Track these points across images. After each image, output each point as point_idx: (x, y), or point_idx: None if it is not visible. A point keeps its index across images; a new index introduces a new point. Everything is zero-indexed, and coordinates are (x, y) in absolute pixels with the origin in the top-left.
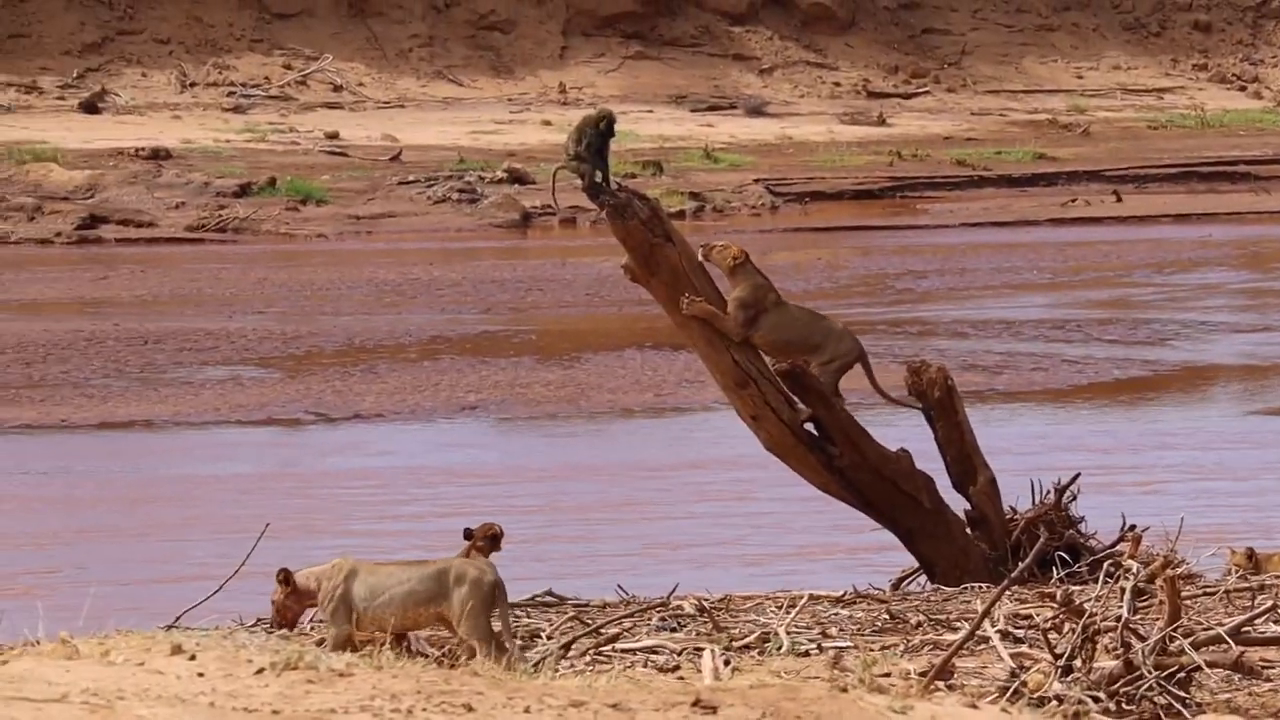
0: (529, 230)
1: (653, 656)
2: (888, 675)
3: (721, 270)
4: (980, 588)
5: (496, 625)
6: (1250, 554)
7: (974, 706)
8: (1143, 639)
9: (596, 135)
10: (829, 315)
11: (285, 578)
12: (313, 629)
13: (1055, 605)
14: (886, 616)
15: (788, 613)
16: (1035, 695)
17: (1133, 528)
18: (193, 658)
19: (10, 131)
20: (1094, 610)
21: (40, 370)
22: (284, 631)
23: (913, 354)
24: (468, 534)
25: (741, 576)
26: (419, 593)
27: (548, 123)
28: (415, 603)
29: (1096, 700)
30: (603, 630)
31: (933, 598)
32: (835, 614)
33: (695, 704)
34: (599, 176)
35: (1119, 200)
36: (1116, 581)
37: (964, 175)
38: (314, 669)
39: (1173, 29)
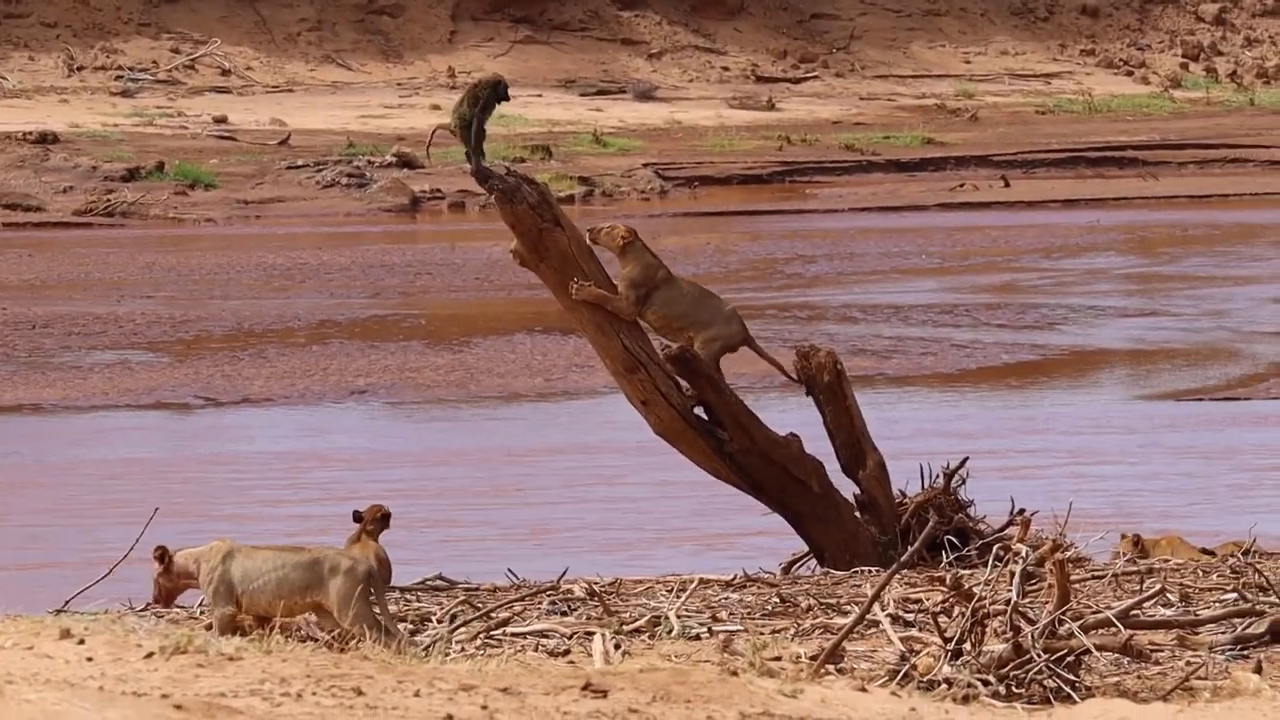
0: (418, 215)
1: (543, 641)
2: (778, 659)
3: (611, 251)
4: (870, 572)
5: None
6: (1137, 540)
7: (864, 690)
8: (1032, 622)
9: (491, 96)
10: (718, 295)
11: (161, 555)
12: (202, 613)
13: (945, 589)
14: (777, 600)
15: (678, 597)
16: (925, 678)
17: (1021, 512)
18: (81, 642)
19: None
20: (983, 594)
21: None
22: (172, 615)
23: (802, 338)
24: (357, 516)
25: (631, 561)
26: (292, 580)
27: (437, 107)
28: (289, 590)
29: (986, 683)
30: (493, 614)
31: (823, 581)
32: (725, 598)
33: (585, 688)
34: (484, 158)
35: (1007, 185)
36: (1006, 565)
37: (852, 160)
38: (203, 653)
39: (1060, 14)
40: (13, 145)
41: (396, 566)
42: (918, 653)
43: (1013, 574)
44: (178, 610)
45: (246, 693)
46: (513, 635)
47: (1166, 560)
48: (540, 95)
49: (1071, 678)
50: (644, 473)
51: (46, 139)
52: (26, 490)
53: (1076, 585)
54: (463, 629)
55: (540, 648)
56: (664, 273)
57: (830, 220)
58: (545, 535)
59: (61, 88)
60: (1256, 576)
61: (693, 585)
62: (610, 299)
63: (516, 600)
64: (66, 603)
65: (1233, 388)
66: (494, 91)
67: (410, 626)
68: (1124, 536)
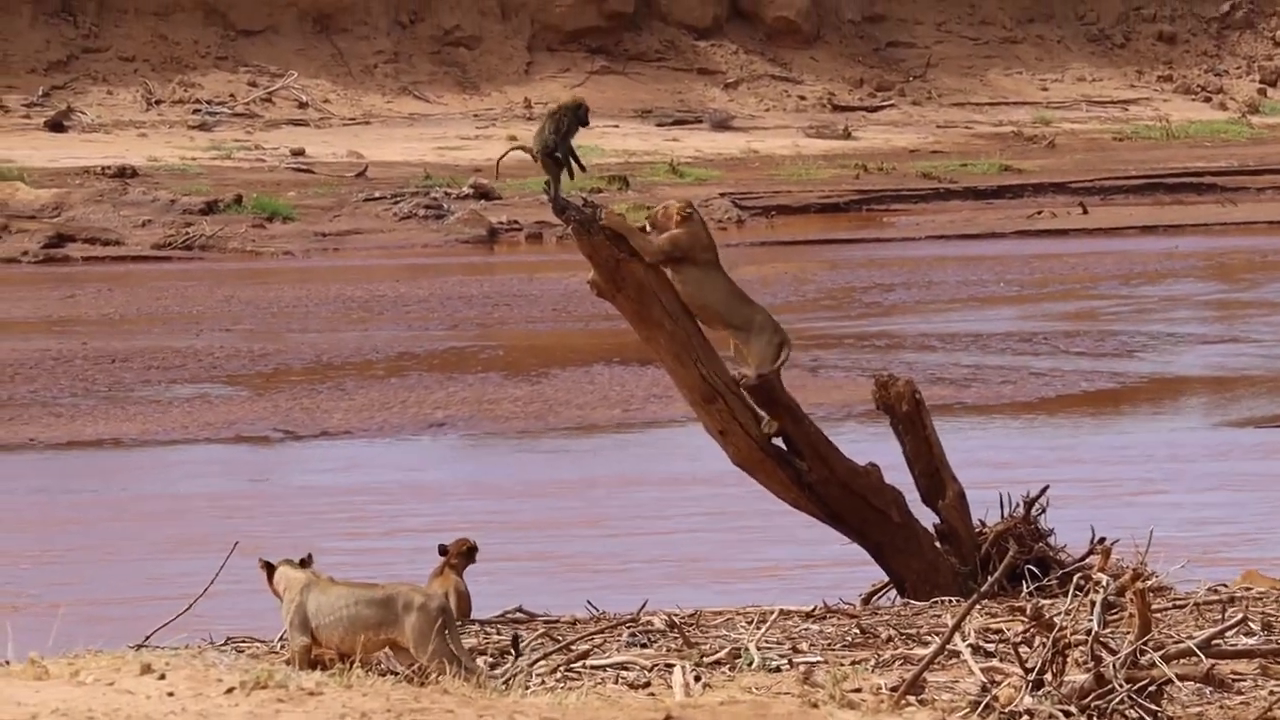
0: (495, 246)
1: (623, 673)
2: (858, 690)
3: (667, 229)
4: (950, 602)
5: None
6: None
7: None
8: (1113, 652)
9: (574, 121)
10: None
11: (266, 566)
12: (283, 648)
13: (1025, 619)
14: (857, 631)
15: (758, 628)
16: (1006, 709)
17: (1102, 540)
18: (162, 677)
19: None
20: (1064, 624)
21: (8, 389)
22: (253, 649)
23: (880, 367)
24: (442, 549)
25: (711, 592)
26: (365, 617)
27: (513, 138)
28: (362, 626)
29: (1068, 714)
30: (573, 647)
31: (903, 612)
32: (805, 629)
33: None
34: (560, 190)
35: (1085, 212)
36: (1086, 595)
37: (930, 188)
38: (284, 688)
39: (1137, 40)
40: (92, 179)
41: (476, 599)
42: (999, 683)
43: (1093, 603)
44: (258, 645)
45: None
46: (593, 668)
47: (1248, 589)
48: (617, 126)
49: (1154, 708)
50: (723, 503)
51: (125, 173)
52: (107, 524)
53: (1158, 615)
54: (543, 661)
55: (620, 680)
56: (709, 256)
57: (908, 248)
58: (625, 567)
59: (140, 121)
60: None
61: (773, 616)
62: (636, 234)
63: (596, 632)
64: (147, 637)
65: None
66: (575, 115)
67: (490, 659)
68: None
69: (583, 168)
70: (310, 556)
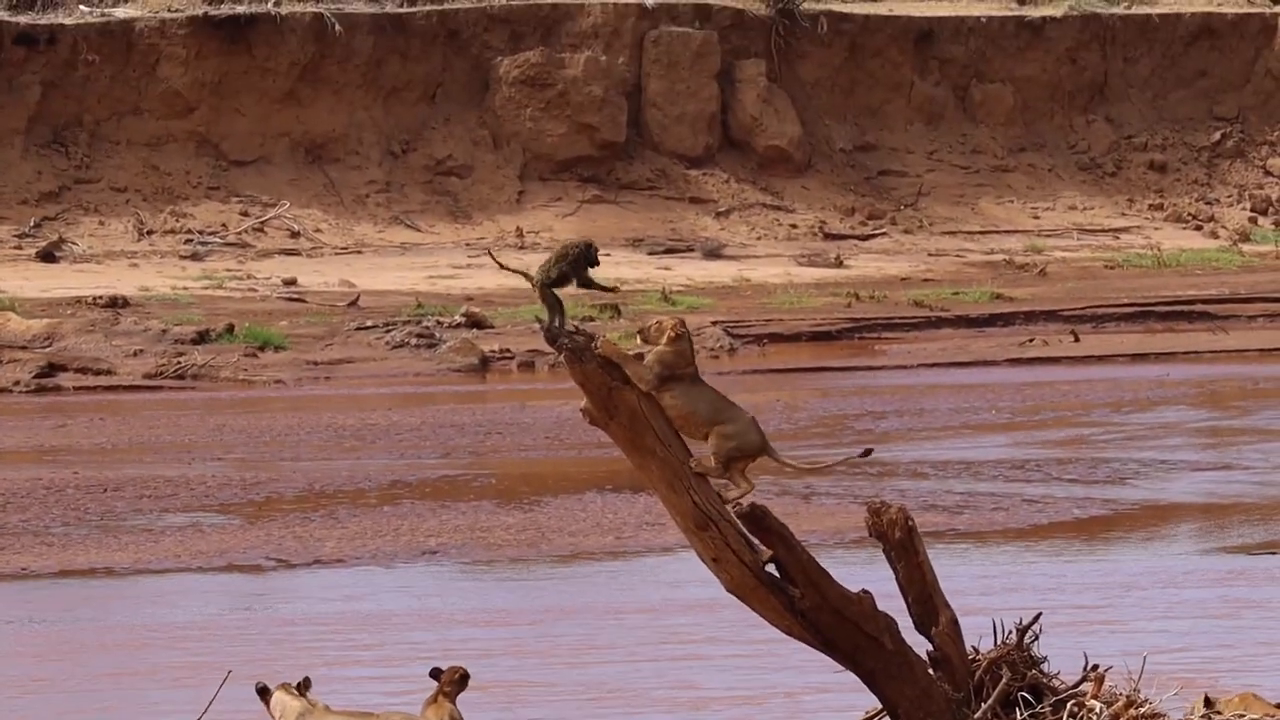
0: (488, 374)
1: None
2: None
3: (658, 344)
4: None
5: None
6: (1208, 700)
7: None
8: None
9: (573, 264)
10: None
11: (261, 690)
12: None
13: None
14: None
15: None
16: None
17: (1095, 667)
18: None
19: None
20: None
21: (0, 519)
22: None
23: (873, 494)
24: (435, 674)
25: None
26: None
27: (503, 266)
28: None
29: None
30: None
31: None
32: None
33: None
34: (557, 323)
35: (1076, 340)
36: None
37: (921, 316)
38: None
39: (1128, 169)
40: (83, 309)
41: None
42: None
43: None
44: None
45: None
46: None
47: (1241, 716)
48: (609, 254)
49: None
50: (717, 630)
51: (117, 303)
52: (99, 654)
53: None
54: None
55: None
56: (694, 371)
57: (899, 376)
58: (619, 695)
59: (131, 251)
60: None
61: None
62: (631, 361)
63: None
64: None
65: None
66: (586, 256)
67: None
68: (1206, 698)
69: (610, 288)
70: (307, 680)
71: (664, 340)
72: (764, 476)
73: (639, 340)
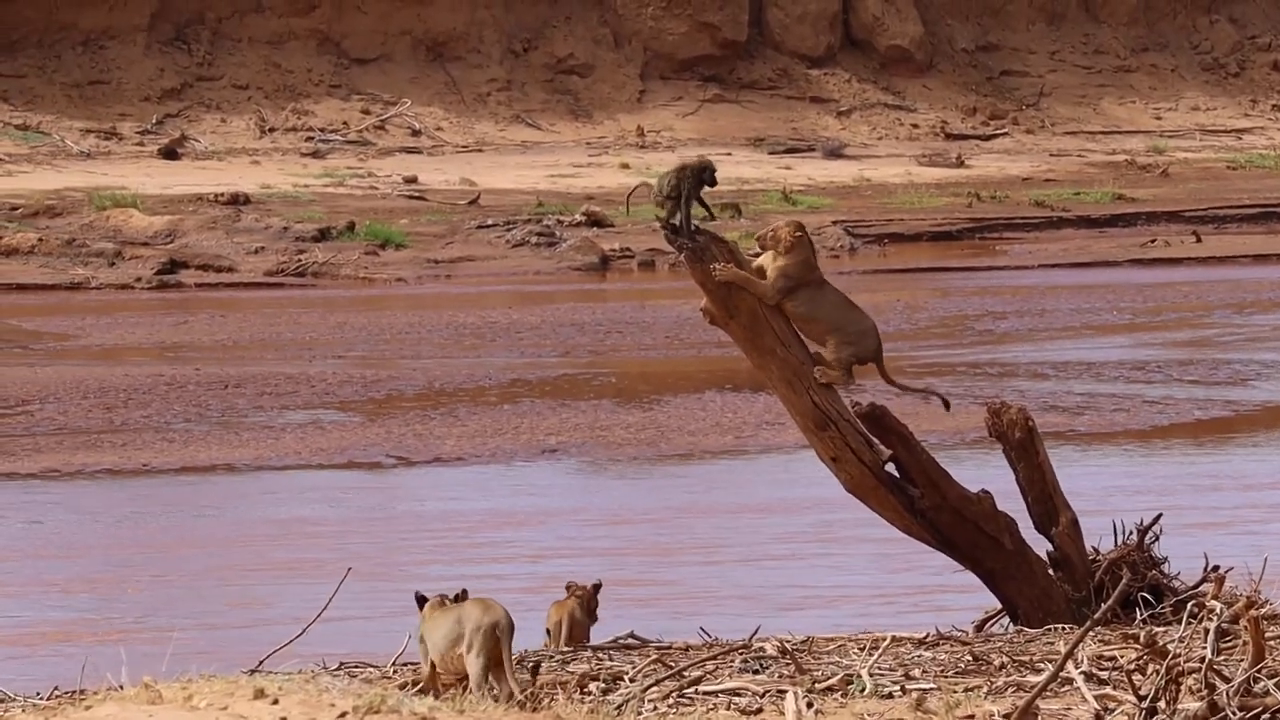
0: (608, 273)
1: (735, 699)
2: (971, 717)
3: (779, 249)
4: (1063, 629)
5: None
6: None
7: None
8: (1227, 680)
9: (695, 184)
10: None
11: (418, 599)
12: (395, 673)
13: (1139, 646)
14: (969, 658)
15: (870, 654)
16: None
17: (1216, 568)
18: (275, 702)
19: (90, 177)
20: (1178, 651)
21: (121, 415)
22: (366, 674)
23: (993, 395)
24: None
25: (823, 618)
26: (451, 636)
27: (626, 166)
28: (449, 645)
29: None
30: (685, 673)
31: (1016, 639)
32: (918, 656)
33: None
34: (678, 218)
35: (1198, 241)
36: (1200, 622)
37: (1043, 216)
38: (396, 712)
39: (1251, 69)
40: (205, 206)
41: (593, 625)
42: (1112, 710)
43: (1207, 631)
44: (371, 670)
45: None
46: (705, 694)
47: None
48: (730, 154)
49: None
50: (835, 529)
51: (238, 200)
52: (220, 550)
53: (1272, 642)
54: (655, 687)
55: (733, 706)
56: (818, 275)
57: (1021, 277)
58: (738, 593)
59: (253, 149)
60: None
61: (885, 643)
62: (754, 282)
63: (709, 658)
64: (261, 662)
65: None
66: (700, 177)
67: (602, 685)
68: None
69: (711, 214)
70: (464, 592)
71: (781, 249)
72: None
73: (757, 247)
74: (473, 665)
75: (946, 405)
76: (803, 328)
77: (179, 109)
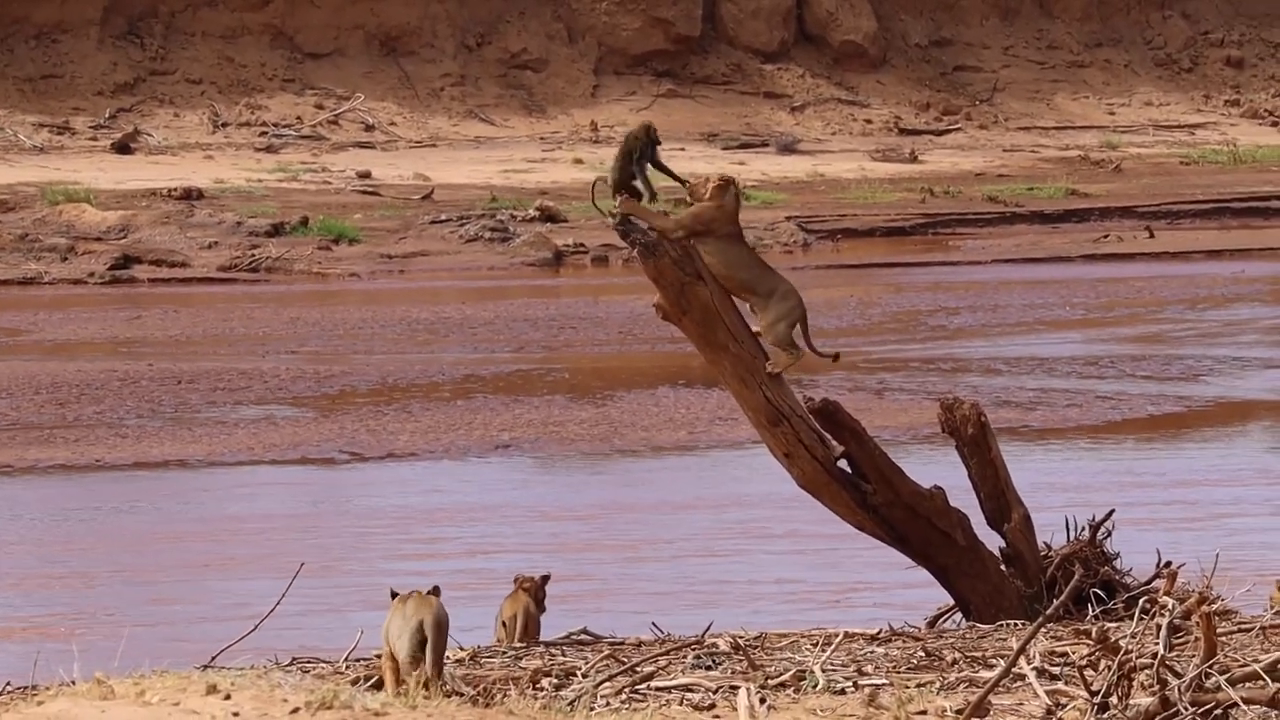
0: (561, 269)
1: (688, 694)
2: (924, 713)
3: (701, 199)
4: (1016, 625)
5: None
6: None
7: None
8: (1179, 676)
9: (646, 144)
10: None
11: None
12: (348, 668)
13: (1091, 642)
14: (922, 654)
15: (823, 650)
16: None
17: (1168, 564)
18: (228, 697)
19: (43, 172)
20: (1130, 647)
21: (74, 410)
22: (318, 670)
23: (945, 390)
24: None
25: (776, 614)
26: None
27: (579, 161)
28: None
29: None
30: (638, 669)
31: (968, 635)
32: (871, 652)
33: None
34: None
35: (1151, 236)
36: (1152, 618)
37: (996, 212)
38: (349, 708)
39: (1205, 65)
40: (158, 201)
41: (545, 621)
42: (1064, 706)
43: (1159, 627)
44: (323, 665)
45: None
46: (658, 689)
47: None
48: (683, 149)
49: None
50: (787, 526)
51: (191, 195)
52: (173, 546)
53: (1223, 638)
54: (608, 683)
55: (685, 702)
56: (736, 230)
57: (974, 272)
58: (690, 589)
59: (206, 144)
60: None
61: (838, 639)
62: (652, 215)
63: (661, 654)
64: (213, 658)
65: None
66: (647, 138)
67: (554, 681)
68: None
69: (652, 194)
70: (436, 589)
71: (706, 195)
72: (837, 373)
73: (688, 198)
74: (400, 655)
75: (835, 358)
76: (728, 285)
77: (132, 103)
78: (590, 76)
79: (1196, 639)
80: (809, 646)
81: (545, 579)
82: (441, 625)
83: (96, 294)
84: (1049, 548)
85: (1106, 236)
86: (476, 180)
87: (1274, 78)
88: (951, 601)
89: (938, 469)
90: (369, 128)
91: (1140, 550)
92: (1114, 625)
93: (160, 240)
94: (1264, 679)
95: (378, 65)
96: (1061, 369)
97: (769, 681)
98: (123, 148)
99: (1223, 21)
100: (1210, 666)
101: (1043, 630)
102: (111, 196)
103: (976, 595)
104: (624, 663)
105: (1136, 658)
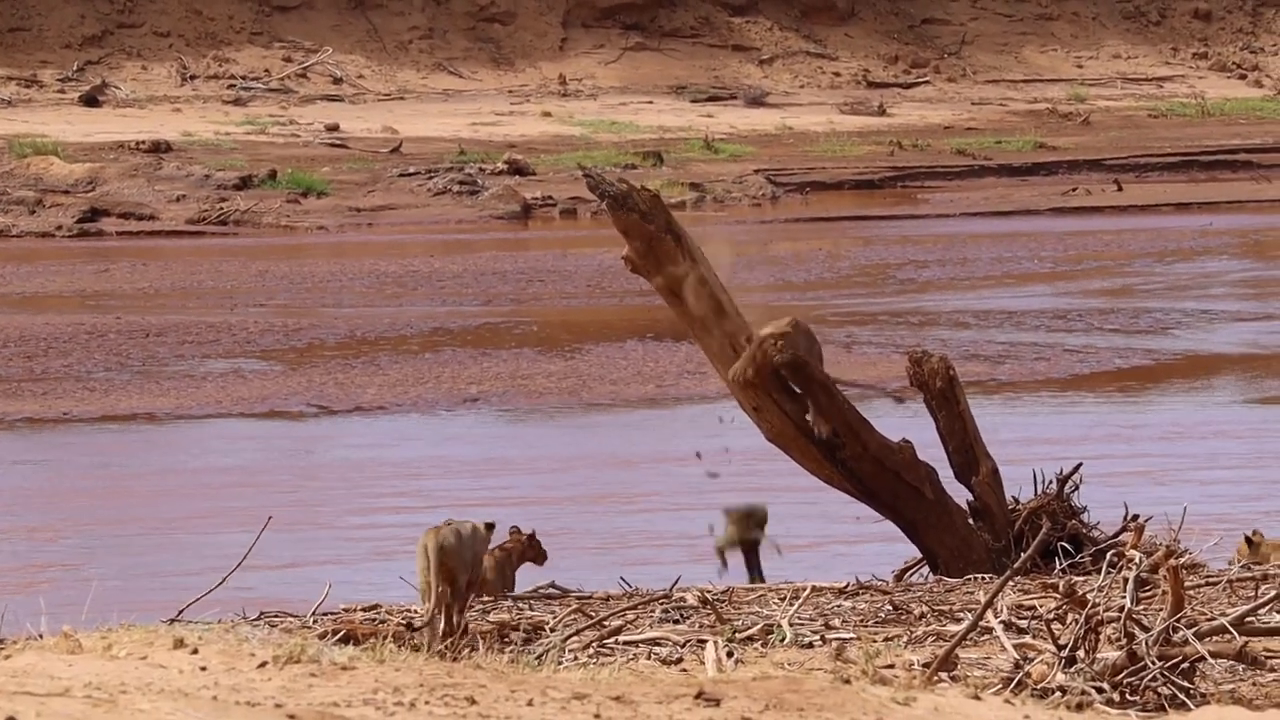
0: (529, 222)
1: (656, 649)
2: (891, 666)
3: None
4: (983, 579)
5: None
6: (1250, 539)
7: (977, 698)
8: (1146, 629)
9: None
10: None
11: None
12: (315, 622)
13: (1058, 596)
14: (889, 608)
15: (791, 604)
16: (1039, 686)
17: (1135, 518)
18: (195, 651)
19: (11, 125)
20: (1097, 601)
21: (42, 363)
22: (286, 624)
23: (914, 344)
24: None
25: (743, 568)
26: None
27: (548, 114)
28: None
29: (1100, 690)
30: (606, 622)
31: (935, 589)
32: (838, 605)
33: (698, 696)
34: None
35: (1120, 189)
36: (1119, 572)
37: (964, 165)
38: (316, 662)
39: (1173, 17)
40: (126, 154)
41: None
42: (1031, 660)
43: (1126, 580)
44: (290, 619)
45: (360, 702)
46: (625, 643)
47: None
48: (651, 102)
49: (1186, 685)
50: (756, 480)
51: (159, 148)
52: (140, 499)
53: (1191, 591)
54: (575, 637)
55: (653, 656)
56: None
57: (942, 225)
58: (658, 543)
59: (174, 97)
60: None
61: (805, 593)
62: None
63: (629, 608)
64: (180, 612)
65: None
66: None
67: (523, 635)
68: (1247, 538)
69: (761, 578)
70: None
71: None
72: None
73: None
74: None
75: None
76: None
77: (100, 56)
78: (559, 29)
79: (1164, 593)
80: (776, 600)
81: (531, 536)
82: (437, 551)
83: (64, 247)
84: (1016, 501)
85: (1075, 189)
86: (445, 133)
87: (1242, 30)
88: (919, 555)
89: (906, 423)
90: (337, 80)
91: (1107, 504)
92: (1081, 579)
93: (128, 193)
94: (1231, 632)
95: (346, 18)
96: (1030, 322)
97: (736, 635)
98: (90, 100)
99: None
100: (1177, 620)
101: (1010, 584)
102: (79, 149)
103: (944, 549)
104: (592, 617)
105: (1104, 611)
